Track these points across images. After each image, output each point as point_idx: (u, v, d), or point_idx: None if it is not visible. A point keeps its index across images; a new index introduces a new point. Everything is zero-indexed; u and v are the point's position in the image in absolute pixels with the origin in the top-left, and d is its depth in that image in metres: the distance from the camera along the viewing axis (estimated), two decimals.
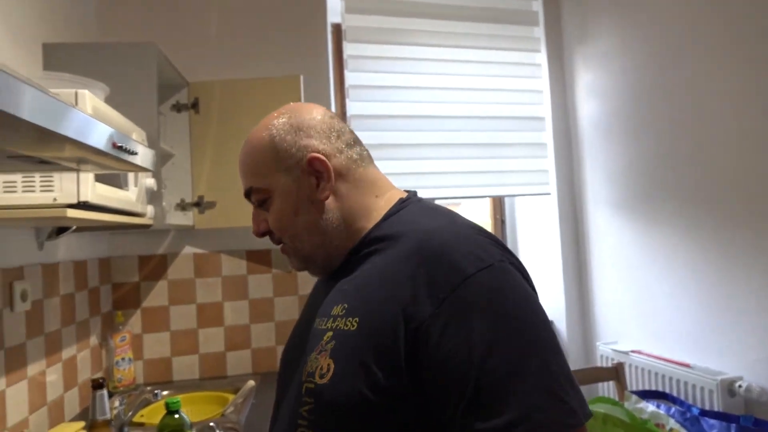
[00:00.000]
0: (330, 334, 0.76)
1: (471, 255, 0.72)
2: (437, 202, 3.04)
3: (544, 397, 0.65)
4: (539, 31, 2.79)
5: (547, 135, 2.77)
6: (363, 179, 0.88)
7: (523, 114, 2.73)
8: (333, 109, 2.49)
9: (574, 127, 2.74)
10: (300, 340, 0.86)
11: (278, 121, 0.88)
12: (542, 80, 2.79)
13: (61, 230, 1.67)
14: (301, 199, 0.85)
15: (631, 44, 2.36)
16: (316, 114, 0.89)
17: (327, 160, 0.84)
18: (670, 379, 2.11)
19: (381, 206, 0.87)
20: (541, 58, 2.79)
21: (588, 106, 2.64)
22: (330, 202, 0.85)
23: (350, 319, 0.75)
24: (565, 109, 2.79)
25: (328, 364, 0.73)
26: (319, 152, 0.85)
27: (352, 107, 2.51)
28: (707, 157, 2.02)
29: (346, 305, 0.77)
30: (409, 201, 0.88)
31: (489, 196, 2.77)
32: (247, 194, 0.90)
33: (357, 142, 0.91)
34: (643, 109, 2.30)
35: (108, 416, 1.29)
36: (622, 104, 2.42)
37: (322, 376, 0.73)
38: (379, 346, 0.70)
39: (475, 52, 2.67)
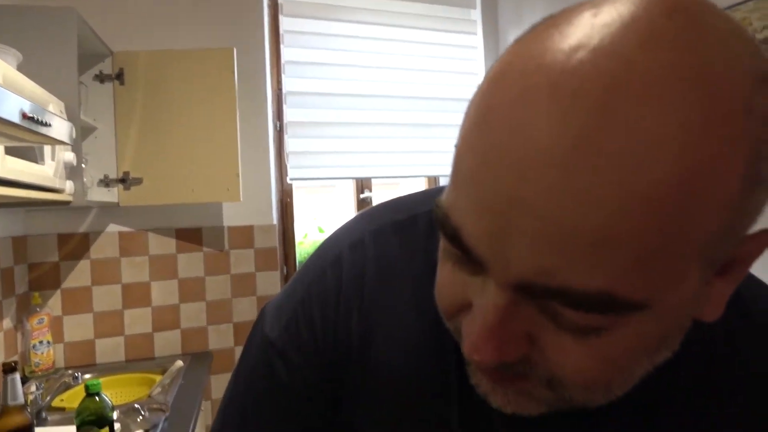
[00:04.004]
0: None
1: None
2: (373, 182, 2.94)
3: None
4: (476, 14, 2.82)
5: None
6: None
7: (459, 96, 2.76)
8: (268, 85, 2.43)
9: None
10: None
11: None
12: (478, 62, 2.82)
13: None
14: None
15: None
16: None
17: None
18: None
19: None
20: (477, 40, 2.82)
21: None
22: None
23: None
24: None
25: None
26: None
27: (288, 83, 2.46)
28: None
29: None
30: None
31: (425, 176, 2.79)
32: (552, 295, 0.31)
33: None
34: None
35: (21, 401, 1.22)
36: None
37: None
38: None
39: (412, 31, 2.66)
